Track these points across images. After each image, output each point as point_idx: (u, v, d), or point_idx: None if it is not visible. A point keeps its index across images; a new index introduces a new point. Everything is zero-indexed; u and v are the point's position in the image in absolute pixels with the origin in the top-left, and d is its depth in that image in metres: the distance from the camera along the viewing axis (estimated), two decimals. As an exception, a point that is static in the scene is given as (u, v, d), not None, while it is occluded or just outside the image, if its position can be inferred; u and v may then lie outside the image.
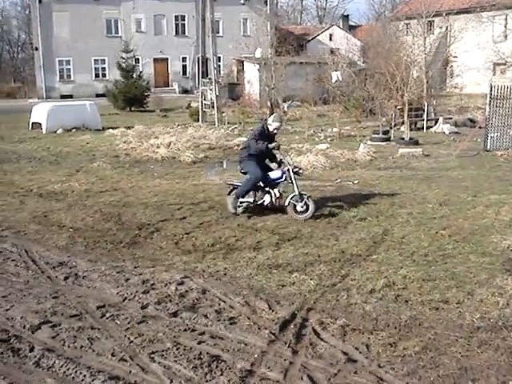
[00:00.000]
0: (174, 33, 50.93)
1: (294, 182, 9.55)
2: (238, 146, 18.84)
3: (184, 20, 51.19)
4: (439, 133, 23.14)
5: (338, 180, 12.96)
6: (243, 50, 39.49)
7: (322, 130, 23.67)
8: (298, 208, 9.42)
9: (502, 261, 7.29)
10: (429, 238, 8.42)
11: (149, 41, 48.31)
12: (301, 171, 10.00)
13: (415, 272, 6.95)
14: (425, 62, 26.72)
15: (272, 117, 10.18)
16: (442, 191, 11.63)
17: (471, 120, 26.02)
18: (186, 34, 51.00)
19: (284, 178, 9.76)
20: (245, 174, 10.00)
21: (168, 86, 49.95)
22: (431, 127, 24.08)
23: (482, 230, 8.80)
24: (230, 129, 23.77)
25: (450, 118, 25.16)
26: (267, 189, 9.75)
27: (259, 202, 9.79)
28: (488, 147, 17.49)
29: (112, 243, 8.26)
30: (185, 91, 49.16)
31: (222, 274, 6.91)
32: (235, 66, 42.43)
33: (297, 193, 9.44)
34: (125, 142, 19.07)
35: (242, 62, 40.45)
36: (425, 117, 23.51)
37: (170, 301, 6.06)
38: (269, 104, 26.01)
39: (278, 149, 9.89)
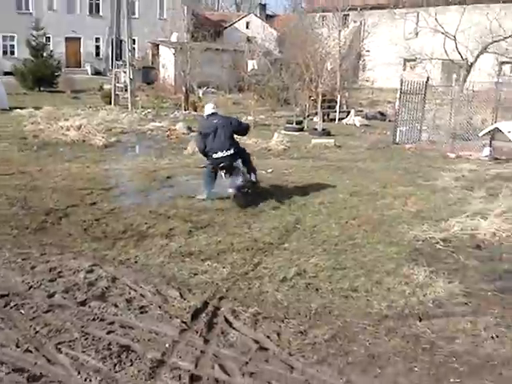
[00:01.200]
0: (88, 12, 49.27)
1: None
2: (151, 130, 18.61)
3: (98, -1, 49.68)
4: (351, 125, 23.77)
5: (252, 168, 12.97)
6: (159, 33, 38.88)
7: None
8: None
9: (409, 251, 7.55)
10: (339, 228, 8.60)
11: (61, 19, 46.35)
12: None
13: (326, 261, 7.08)
14: (339, 54, 27.25)
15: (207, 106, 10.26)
16: (352, 182, 11.92)
17: (381, 113, 26.90)
18: (101, 13, 49.47)
19: None
20: None
21: (80, 67, 48.40)
22: (343, 119, 24.68)
23: (390, 220, 9.08)
24: (144, 113, 23.36)
25: (361, 111, 25.90)
26: None
27: None
28: (397, 140, 18.09)
29: (18, 229, 7.89)
30: (97, 73, 47.80)
31: (132, 262, 6.76)
32: (150, 50, 41.72)
33: None
34: (33, 123, 18.28)
35: (158, 45, 39.82)
36: (337, 109, 24.05)
37: (79, 289, 5.86)
38: (184, 89, 25.71)
39: None
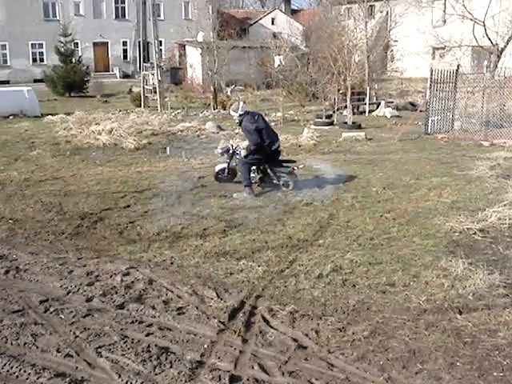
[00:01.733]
0: (114, 16, 49.72)
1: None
2: (181, 131, 18.69)
3: (124, 3, 50.03)
4: (381, 116, 23.50)
5: (283, 165, 12.94)
6: (185, 34, 39.02)
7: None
8: None
9: (446, 243, 7.44)
10: (374, 222, 8.51)
11: (88, 24, 46.97)
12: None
13: (361, 256, 7.01)
14: (366, 46, 26.99)
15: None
16: (385, 175, 11.79)
17: (412, 104, 26.53)
18: (127, 17, 49.89)
19: None
20: None
21: (108, 71, 48.93)
22: (373, 111, 24.43)
23: (426, 212, 8.95)
24: (173, 114, 23.49)
25: (392, 102, 25.58)
26: None
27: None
28: (429, 130, 17.84)
29: (54, 234, 8.01)
30: (126, 76, 48.26)
31: (168, 264, 6.79)
32: (177, 51, 41.87)
33: None
34: (65, 129, 18.52)
35: (184, 46, 39.96)
36: (367, 101, 23.78)
37: (116, 292, 5.91)
38: (212, 89, 25.78)
39: None
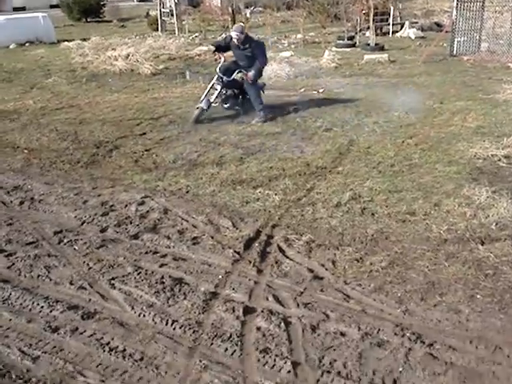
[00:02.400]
0: None
1: None
2: (199, 55, 18.25)
3: None
4: (405, 38, 22.66)
5: (303, 89, 12.61)
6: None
7: (285, 37, 22.98)
8: None
9: (469, 170, 7.20)
10: (395, 148, 8.27)
11: None
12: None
13: (381, 183, 6.83)
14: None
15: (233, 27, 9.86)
16: (407, 98, 11.40)
17: (437, 24, 25.51)
18: None
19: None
20: None
21: (125, -6, 47.68)
22: (397, 32, 23.55)
23: (449, 138, 8.67)
24: (191, 38, 22.92)
25: (416, 23, 24.61)
26: None
27: None
28: (454, 52, 17.17)
29: (69, 163, 7.92)
30: (143, -1, 47.05)
31: (184, 192, 6.68)
32: (194, -29, 40.47)
33: None
34: (81, 55, 18.19)
35: (202, -34, 38.52)
36: (390, 21, 22.91)
37: (131, 222, 5.84)
38: (230, 10, 24.99)
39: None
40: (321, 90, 12.42)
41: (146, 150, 8.38)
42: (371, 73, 14.92)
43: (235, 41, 9.76)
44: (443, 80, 13.50)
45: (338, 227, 5.69)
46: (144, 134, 9.27)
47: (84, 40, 21.49)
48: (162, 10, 26.14)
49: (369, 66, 15.93)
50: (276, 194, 6.53)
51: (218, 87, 9.87)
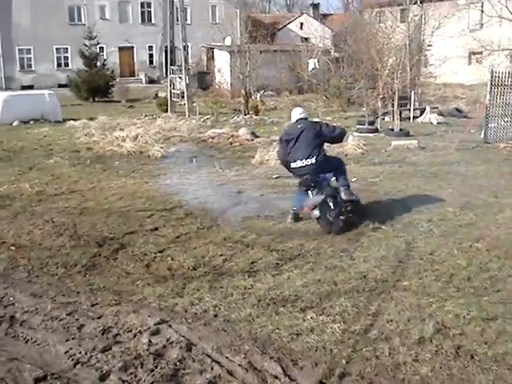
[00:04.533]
0: (140, 20, 48.40)
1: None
2: (212, 138, 17.07)
3: (150, 7, 48.77)
4: (426, 123, 21.62)
5: (333, 178, 11.19)
6: (212, 38, 37.56)
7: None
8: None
9: None
10: (464, 254, 6.73)
11: (113, 28, 45.59)
12: None
13: (466, 306, 5.25)
14: (408, 47, 25.15)
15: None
16: (455, 191, 9.99)
17: (458, 110, 24.63)
18: (153, 21, 48.58)
19: None
20: None
21: (134, 76, 47.62)
22: (416, 117, 22.54)
23: (525, 241, 7.16)
24: (202, 120, 21.90)
25: (436, 108, 23.66)
26: None
27: None
28: (488, 139, 15.93)
29: (64, 267, 6.37)
30: (151, 81, 46.86)
31: (211, 316, 5.07)
32: (205, 55, 40.36)
33: None
34: (86, 135, 17.02)
35: (212, 49, 38.41)
36: (411, 106, 21.92)
37: (142, 365, 4.22)
38: (243, 93, 24.12)
39: None
40: (353, 179, 11.00)
41: (160, 252, 6.83)
42: (403, 160, 13.60)
43: None
44: (487, 170, 12.14)
45: (432, 379, 4.07)
46: (156, 229, 7.77)
47: (91, 119, 20.50)
48: (173, 91, 25.30)
49: (398, 152, 14.64)
50: (334, 322, 4.93)
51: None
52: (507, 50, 37.27)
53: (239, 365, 4.21)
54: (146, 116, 22.71)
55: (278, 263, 6.42)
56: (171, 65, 25.43)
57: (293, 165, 8.00)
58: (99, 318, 5.00)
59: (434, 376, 4.10)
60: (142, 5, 48.61)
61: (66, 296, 5.52)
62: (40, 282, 5.92)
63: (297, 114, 8.26)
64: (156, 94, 34.35)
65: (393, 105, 22.14)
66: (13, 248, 7.02)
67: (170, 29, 25.27)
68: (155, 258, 6.65)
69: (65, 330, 4.75)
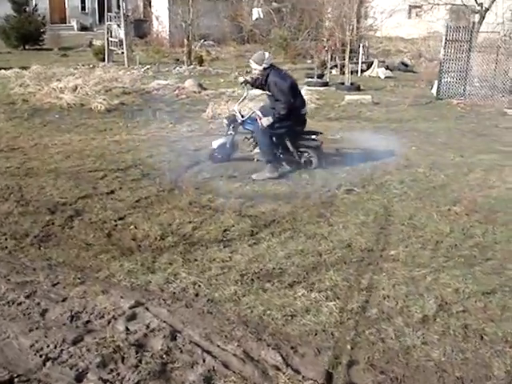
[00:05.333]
0: (73, -39, 45.74)
1: None
2: (157, 90, 16.14)
3: None
4: (374, 77, 21.34)
5: (293, 134, 10.69)
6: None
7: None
8: None
9: None
10: (444, 219, 6.45)
11: (42, -29, 42.83)
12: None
13: (462, 278, 4.93)
14: (354, -2, 24.56)
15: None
16: (420, 149, 9.72)
17: (404, 64, 24.45)
18: (85, -36, 46.03)
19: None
20: None
21: (65, 23, 45.10)
22: (364, 71, 22.20)
23: (501, 204, 6.92)
24: (143, 70, 20.83)
25: (383, 62, 23.36)
26: None
27: None
28: (440, 95, 15.74)
29: (14, 238, 5.65)
30: (84, 28, 44.60)
31: (192, 296, 4.53)
32: (141, 1, 38.53)
33: None
34: (21, 86, 15.71)
35: (150, -4, 36.64)
36: (359, 60, 21.52)
37: (123, 360, 3.65)
38: (186, 42, 23.02)
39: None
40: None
41: (120, 219, 6.19)
42: (359, 116, 13.24)
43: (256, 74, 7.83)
44: (446, 127, 11.93)
45: (446, 364, 3.71)
46: (112, 192, 7.08)
47: (24, 68, 19.01)
48: (110, 39, 23.93)
49: (352, 107, 14.25)
50: (327, 299, 4.49)
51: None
52: (448, 5, 37.35)
53: (234, 355, 3.72)
54: (83, 65, 21.40)
55: (252, 231, 5.91)
56: (108, 10, 23.98)
57: (303, 111, 8.23)
58: (63, 300, 4.38)
59: (447, 361, 3.74)
60: None
61: (21, 274, 4.84)
62: (-12, 257, 5.20)
63: (270, 58, 7.75)
64: (90, 42, 32.61)
65: (341, 58, 21.71)
66: (-49, 216, 6.22)
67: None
68: (116, 226, 6.01)
69: (26, 318, 4.11)
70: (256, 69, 7.71)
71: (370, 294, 4.63)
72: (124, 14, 22.78)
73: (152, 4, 36.22)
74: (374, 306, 4.43)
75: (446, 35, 15.30)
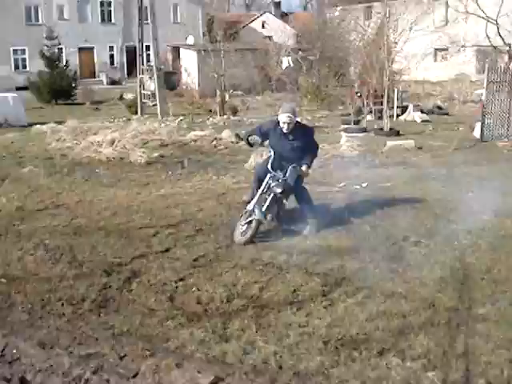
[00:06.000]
0: (100, 20, 46.79)
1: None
2: (194, 141, 16.01)
3: (110, 6, 47.25)
4: (410, 121, 21.03)
5: (342, 183, 10.33)
6: (174, 38, 36.50)
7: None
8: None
9: None
10: (527, 272, 5.94)
11: (73, 29, 43.68)
12: (278, 189, 7.08)
13: None
14: (386, 43, 24.51)
15: (281, 107, 7.42)
16: (478, 196, 9.22)
17: (438, 107, 24.17)
18: (113, 20, 47.07)
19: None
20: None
21: (95, 77, 45.93)
22: (399, 116, 21.95)
23: None
24: (177, 121, 20.82)
25: (418, 105, 23.08)
26: None
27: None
28: (484, 137, 15.32)
29: (70, 303, 5.31)
30: (113, 82, 45.33)
31: (275, 368, 4.09)
32: (170, 54, 39.11)
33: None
34: (58, 140, 15.73)
35: (178, 49, 37.21)
36: (395, 104, 21.28)
37: None
38: (218, 92, 23.08)
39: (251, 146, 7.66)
40: (364, 185, 10.19)
41: (181, 280, 5.82)
42: (404, 162, 12.85)
43: (284, 127, 7.36)
44: (499, 171, 11.46)
45: None
46: (167, 250, 6.75)
47: (59, 123, 19.12)
48: (143, 91, 24.12)
49: (396, 153, 13.88)
50: (425, 368, 4.04)
51: (278, 190, 7.05)
52: (474, 47, 37.25)
53: None
54: (115, 119, 21.51)
55: (323, 290, 5.49)
56: (142, 64, 24.25)
57: None
58: (134, 376, 3.99)
59: None
60: (102, 4, 47.08)
61: (84, 345, 4.47)
62: (46, 326, 4.85)
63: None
64: (121, 96, 33.08)
65: (377, 103, 21.51)
66: (3, 280, 5.92)
67: (139, 27, 24.05)
68: (177, 288, 5.64)
69: (95, 401, 3.73)
70: (291, 121, 7.32)
71: (469, 360, 4.16)
72: (156, 67, 22.95)
73: (180, 56, 36.78)
74: (478, 375, 3.96)
75: (488, 76, 14.96)
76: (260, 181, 7.36)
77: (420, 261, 6.28)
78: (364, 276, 5.83)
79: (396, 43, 37.29)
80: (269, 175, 7.12)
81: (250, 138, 7.64)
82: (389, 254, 6.51)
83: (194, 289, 5.59)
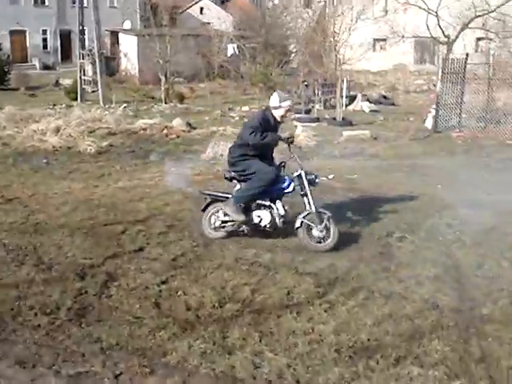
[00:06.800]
0: (33, 2, 44.73)
1: (308, 194, 6.48)
2: (144, 129, 15.37)
3: (43, -12, 45.33)
4: (358, 111, 20.98)
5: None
6: (111, 21, 35.30)
7: (229, 109, 20.62)
8: (315, 233, 6.33)
9: None
10: (516, 267, 5.82)
11: (4, 11, 41.65)
12: (317, 179, 6.75)
13: None
14: (332, 32, 24.46)
15: (275, 95, 6.83)
16: (446, 188, 9.16)
17: (385, 97, 24.30)
18: (46, 3, 45.11)
19: (292, 189, 6.61)
20: (243, 181, 6.73)
21: (27, 62, 43.92)
22: (347, 105, 21.87)
23: None
24: (120, 108, 20.02)
25: (365, 95, 23.12)
26: (267, 202, 6.58)
27: (254, 222, 6.58)
28: (438, 128, 15.37)
29: (44, 313, 4.78)
30: (46, 67, 43.57)
31: (291, 382, 3.76)
32: (108, 39, 37.81)
33: (313, 210, 6.37)
34: (-4, 128, 14.81)
35: (117, 33, 36.02)
36: (344, 93, 21.15)
37: None
38: (163, 79, 22.38)
39: (290, 143, 6.73)
40: (330, 177, 9.94)
41: (163, 283, 5.38)
42: (362, 152, 12.75)
43: (285, 115, 6.80)
44: (459, 162, 11.48)
45: None
46: (141, 249, 6.28)
47: (-6, 109, 17.99)
48: (83, 77, 23.13)
49: (353, 144, 13.75)
50: (450, 378, 3.80)
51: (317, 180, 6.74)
52: (413, 38, 37.82)
53: None
54: (56, 106, 20.49)
55: (318, 292, 5.18)
56: (82, 49, 23.23)
57: None
58: (138, 397, 3.56)
59: None
60: (35, -14, 45.07)
61: (70, 362, 4.00)
62: (22, 341, 4.32)
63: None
64: (56, 81, 31.79)
65: (323, 92, 21.41)
66: (-36, 286, 5.32)
67: (79, 10, 23.01)
68: (161, 292, 5.20)
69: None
70: (290, 104, 6.87)
71: (489, 365, 3.94)
72: (98, 52, 22.04)
73: (120, 42, 35.63)
74: (503, 381, 3.74)
75: (444, 68, 14.99)
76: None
77: (410, 258, 6.06)
78: (357, 275, 5.55)
79: (337, 33, 37.51)
80: (301, 172, 6.55)
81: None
82: (377, 250, 6.27)
83: (179, 293, 5.16)
